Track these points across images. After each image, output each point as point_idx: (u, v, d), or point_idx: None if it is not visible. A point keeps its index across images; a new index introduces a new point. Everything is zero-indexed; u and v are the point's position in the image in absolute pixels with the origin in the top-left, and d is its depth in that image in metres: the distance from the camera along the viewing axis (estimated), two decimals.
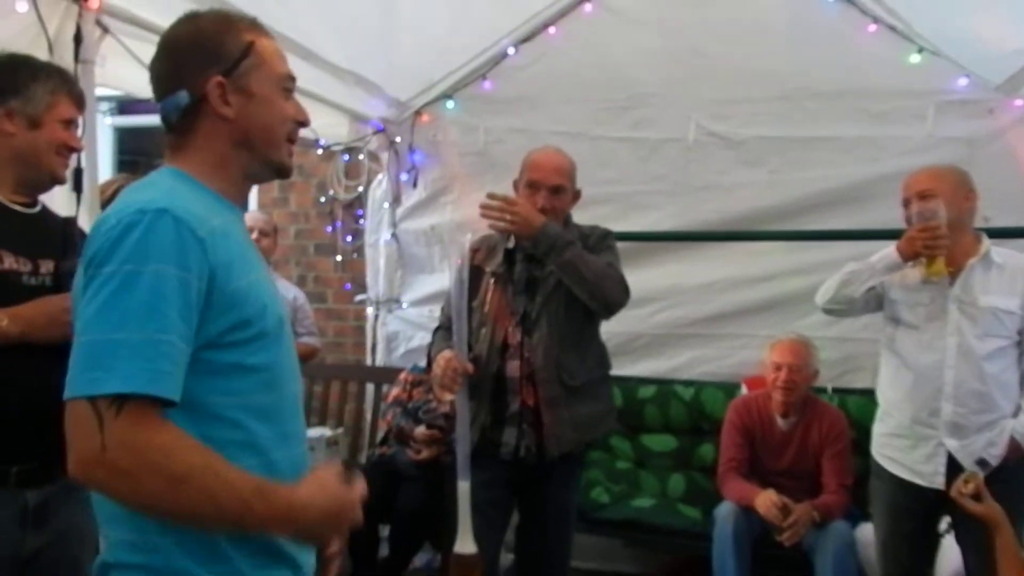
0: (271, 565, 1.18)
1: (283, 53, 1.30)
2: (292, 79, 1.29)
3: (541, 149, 2.50)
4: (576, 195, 2.50)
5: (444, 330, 2.51)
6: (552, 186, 2.39)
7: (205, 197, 1.19)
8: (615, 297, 2.33)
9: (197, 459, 1.06)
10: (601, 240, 2.47)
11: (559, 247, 2.27)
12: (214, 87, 1.20)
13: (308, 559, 1.26)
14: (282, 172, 1.30)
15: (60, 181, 1.79)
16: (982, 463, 2.28)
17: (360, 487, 1.25)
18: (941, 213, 2.25)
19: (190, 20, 1.25)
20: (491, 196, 2.27)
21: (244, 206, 1.36)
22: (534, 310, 2.35)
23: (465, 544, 2.16)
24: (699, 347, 3.73)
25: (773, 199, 3.56)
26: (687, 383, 3.62)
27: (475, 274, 2.42)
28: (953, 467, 2.29)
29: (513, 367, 2.35)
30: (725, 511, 2.98)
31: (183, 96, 1.20)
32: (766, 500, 2.89)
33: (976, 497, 2.06)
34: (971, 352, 2.30)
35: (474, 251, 2.48)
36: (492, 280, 2.42)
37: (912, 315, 2.40)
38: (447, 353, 2.28)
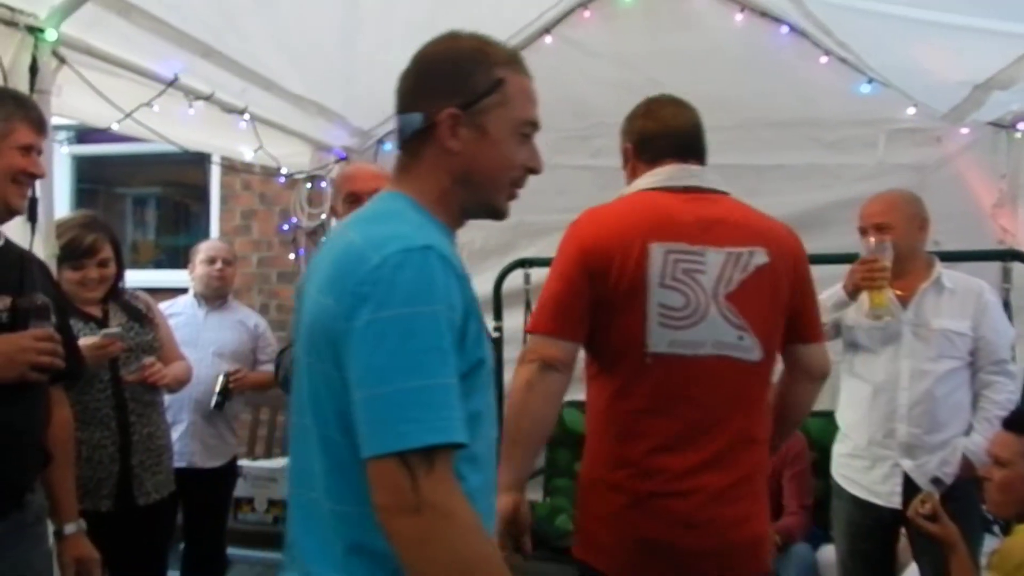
0: None
1: (534, 95, 1.26)
2: (534, 125, 1.25)
3: (350, 165, 2.46)
4: None
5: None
6: (373, 190, 2.30)
7: (437, 228, 1.17)
8: None
9: (486, 549, 1.04)
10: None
11: None
12: (446, 117, 1.16)
13: None
14: (497, 215, 1.26)
15: (17, 211, 1.73)
16: (936, 482, 2.33)
17: None
18: (888, 252, 2.30)
19: (449, 41, 1.23)
20: None
21: None
22: None
23: None
24: None
25: None
26: None
27: None
28: (909, 487, 2.33)
29: None
30: None
31: (416, 118, 1.18)
32: None
33: (932, 517, 2.09)
34: (924, 374, 2.36)
35: None
36: None
37: (868, 339, 2.45)
38: None
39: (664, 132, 1.83)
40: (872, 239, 2.35)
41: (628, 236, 1.67)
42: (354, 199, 2.29)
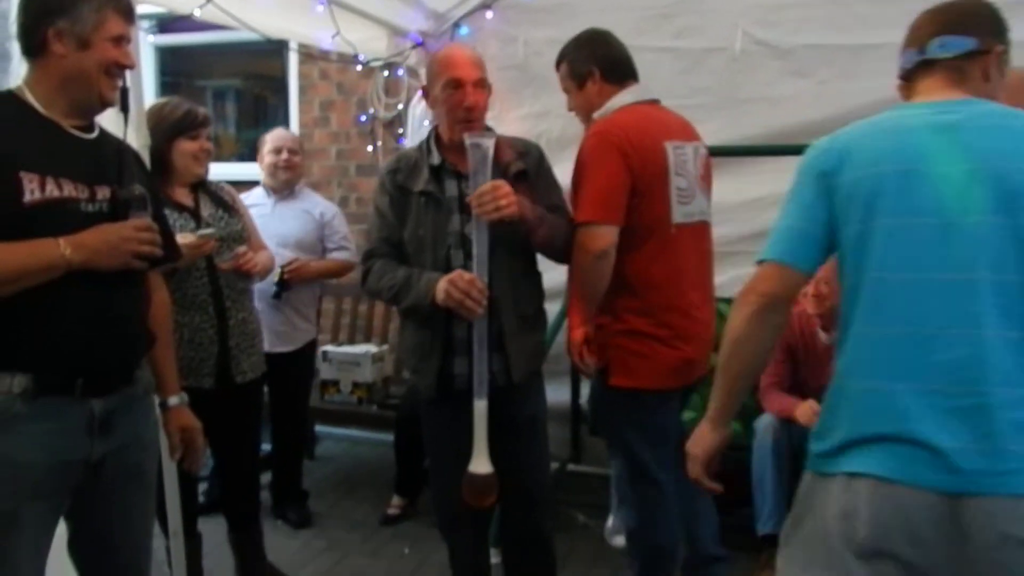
0: None
1: None
2: None
3: (446, 47, 2.42)
4: (489, 90, 2.30)
5: (386, 258, 2.28)
6: (476, 80, 2.20)
7: None
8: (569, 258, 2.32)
9: None
10: (541, 163, 2.33)
11: (536, 222, 2.17)
12: (998, 51, 1.59)
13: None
14: None
15: (110, 103, 1.75)
16: None
17: None
18: None
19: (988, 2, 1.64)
20: (476, 196, 2.09)
21: None
22: (474, 231, 2.14)
23: (480, 464, 2.13)
24: (743, 265, 3.61)
25: (822, 111, 3.43)
26: (729, 300, 3.58)
27: (401, 196, 2.26)
28: None
29: None
30: (765, 423, 3.02)
31: (971, 42, 1.57)
32: (807, 410, 2.91)
33: None
34: None
35: (393, 172, 2.30)
36: (423, 200, 2.24)
37: None
38: (467, 275, 2.10)
39: (624, 58, 2.44)
40: None
41: (649, 139, 2.25)
42: (457, 85, 2.21)
